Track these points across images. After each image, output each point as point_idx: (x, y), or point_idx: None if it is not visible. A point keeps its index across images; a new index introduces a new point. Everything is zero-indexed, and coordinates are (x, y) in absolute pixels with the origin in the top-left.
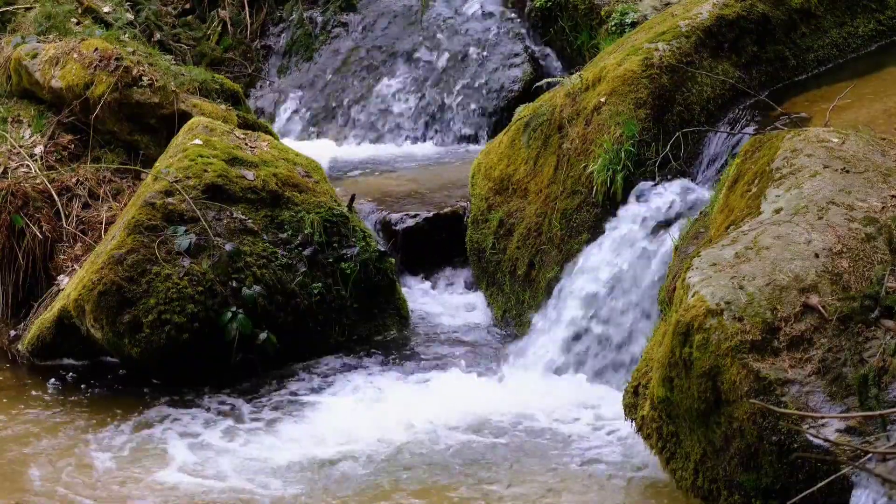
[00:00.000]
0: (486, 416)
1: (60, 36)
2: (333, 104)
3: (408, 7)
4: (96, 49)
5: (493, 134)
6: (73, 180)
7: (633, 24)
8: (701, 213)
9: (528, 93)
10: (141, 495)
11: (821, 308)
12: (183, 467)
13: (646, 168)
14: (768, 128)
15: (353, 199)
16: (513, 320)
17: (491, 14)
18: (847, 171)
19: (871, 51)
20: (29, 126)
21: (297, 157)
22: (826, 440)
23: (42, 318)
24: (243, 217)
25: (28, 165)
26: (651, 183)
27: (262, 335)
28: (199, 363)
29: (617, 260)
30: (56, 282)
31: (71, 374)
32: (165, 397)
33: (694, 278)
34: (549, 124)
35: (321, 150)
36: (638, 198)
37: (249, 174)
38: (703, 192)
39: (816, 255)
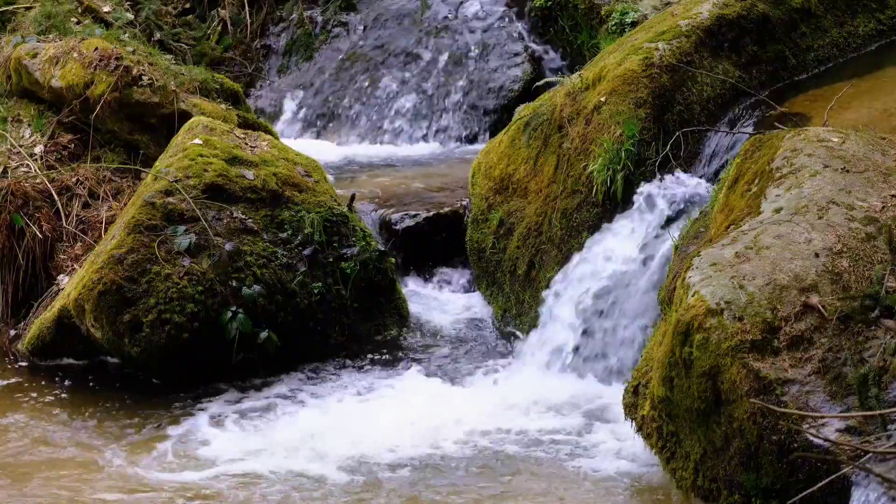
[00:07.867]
0: (486, 415)
1: (60, 35)
2: (333, 104)
3: (408, 7)
4: (96, 48)
5: (493, 134)
6: (73, 180)
7: (633, 24)
8: (701, 212)
9: (528, 92)
10: (139, 496)
11: (821, 308)
12: (180, 468)
13: (646, 167)
14: (768, 126)
15: (353, 198)
16: (513, 320)
17: (491, 14)
18: (847, 171)
19: (871, 50)
20: (29, 125)
21: (297, 156)
22: (826, 440)
23: (42, 318)
24: (243, 216)
25: (28, 165)
26: (651, 182)
27: (263, 335)
28: (199, 363)
29: (616, 259)
30: (56, 281)
31: (71, 373)
32: (165, 397)
33: (694, 278)
34: (549, 124)
35: (321, 150)
36: (637, 197)
37: (249, 174)
38: (702, 192)
39: (816, 255)
